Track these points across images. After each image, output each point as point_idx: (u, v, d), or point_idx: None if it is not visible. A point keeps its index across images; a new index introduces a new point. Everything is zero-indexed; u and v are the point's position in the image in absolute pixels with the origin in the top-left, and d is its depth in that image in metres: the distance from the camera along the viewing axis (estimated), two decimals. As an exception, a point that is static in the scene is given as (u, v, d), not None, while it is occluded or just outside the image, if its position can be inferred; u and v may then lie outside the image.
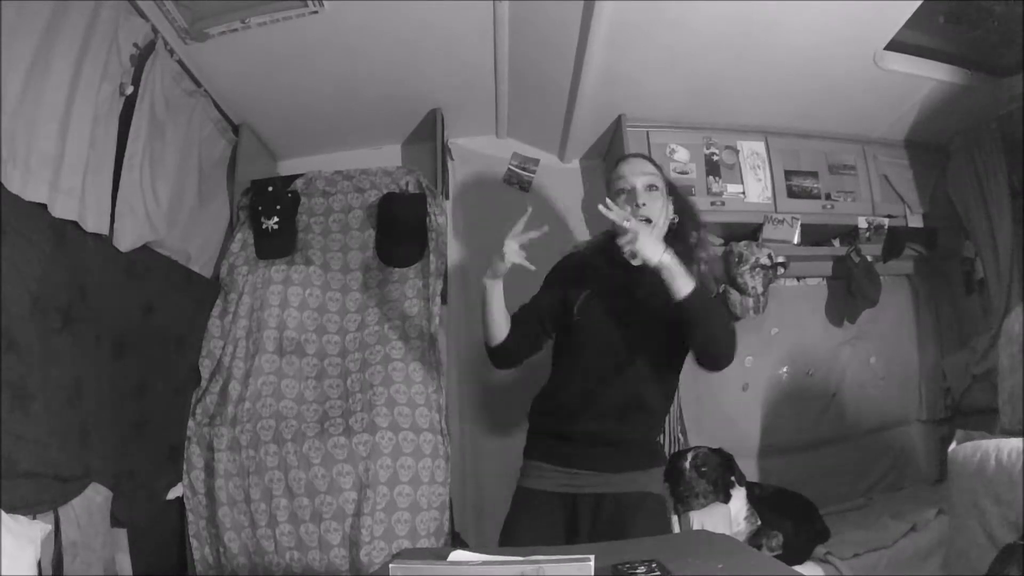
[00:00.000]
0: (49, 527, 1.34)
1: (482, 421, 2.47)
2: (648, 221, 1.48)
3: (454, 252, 2.47)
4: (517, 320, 1.62)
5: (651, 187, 1.53)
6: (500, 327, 1.58)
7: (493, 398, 2.46)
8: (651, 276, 1.41)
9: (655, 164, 1.62)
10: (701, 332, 1.41)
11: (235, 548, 1.91)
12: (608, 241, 1.56)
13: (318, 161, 2.54)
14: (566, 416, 1.54)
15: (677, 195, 1.63)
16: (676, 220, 1.57)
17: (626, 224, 1.39)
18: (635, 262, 1.40)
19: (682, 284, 1.36)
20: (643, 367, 1.52)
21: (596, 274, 1.59)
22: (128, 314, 1.75)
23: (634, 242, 1.37)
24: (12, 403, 1.27)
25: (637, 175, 1.54)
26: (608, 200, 1.44)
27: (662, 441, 2.33)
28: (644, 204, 1.50)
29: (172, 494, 1.94)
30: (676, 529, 1.91)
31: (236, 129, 2.38)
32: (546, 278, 1.68)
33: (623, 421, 1.51)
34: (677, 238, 1.54)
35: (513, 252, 1.49)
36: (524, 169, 2.69)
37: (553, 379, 1.64)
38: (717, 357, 1.46)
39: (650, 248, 1.36)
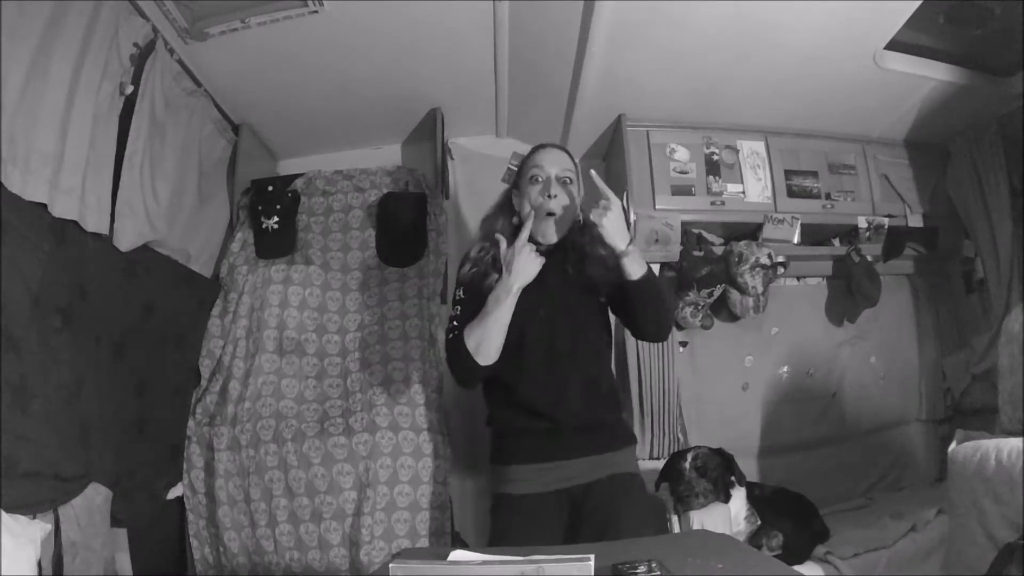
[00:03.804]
0: (49, 527, 1.34)
1: (482, 420, 2.47)
2: (551, 214, 1.50)
3: (454, 252, 2.47)
4: None
5: (567, 180, 1.54)
6: (500, 344, 1.44)
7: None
8: (572, 260, 1.51)
9: (574, 160, 1.60)
10: (653, 310, 1.48)
11: (235, 548, 1.91)
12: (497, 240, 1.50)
13: (318, 161, 2.54)
14: (538, 411, 1.49)
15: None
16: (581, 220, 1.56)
17: (610, 197, 1.43)
18: (608, 240, 1.41)
19: (639, 267, 1.42)
20: (589, 349, 1.54)
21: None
22: (128, 314, 1.75)
23: (604, 218, 1.40)
24: (12, 403, 1.26)
25: (554, 165, 1.54)
26: (593, 172, 1.49)
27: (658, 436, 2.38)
28: (556, 195, 1.50)
29: (172, 494, 1.94)
30: (676, 529, 1.91)
31: (236, 129, 2.38)
32: (469, 286, 1.52)
33: (590, 405, 1.51)
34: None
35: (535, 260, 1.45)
36: (524, 169, 2.69)
37: (507, 375, 1.51)
38: (661, 331, 1.56)
39: (621, 231, 1.41)
